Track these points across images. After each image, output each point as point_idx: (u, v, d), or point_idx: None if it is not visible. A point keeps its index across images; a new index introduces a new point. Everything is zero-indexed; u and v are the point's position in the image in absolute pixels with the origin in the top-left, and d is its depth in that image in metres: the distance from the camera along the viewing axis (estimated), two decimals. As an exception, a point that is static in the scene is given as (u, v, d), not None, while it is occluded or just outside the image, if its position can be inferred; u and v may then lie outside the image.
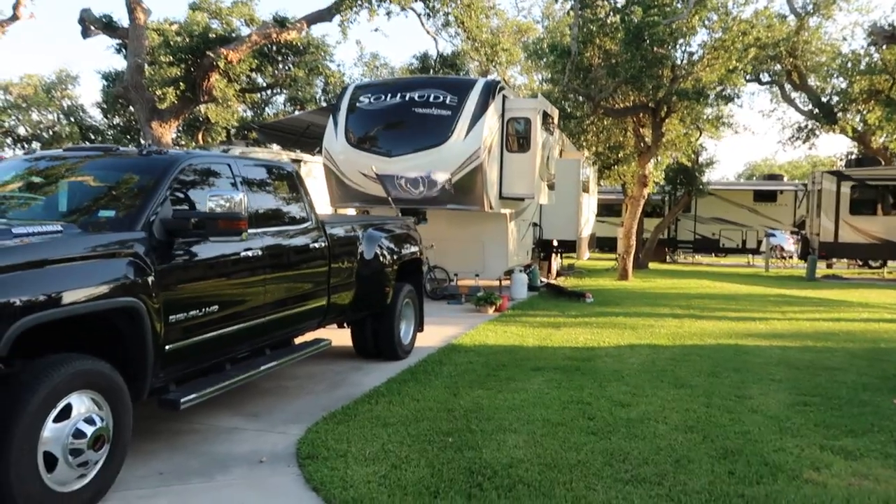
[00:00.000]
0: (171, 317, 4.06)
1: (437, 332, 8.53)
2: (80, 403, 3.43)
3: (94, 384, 3.51)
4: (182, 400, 4.11)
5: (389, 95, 11.46)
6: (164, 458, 4.26)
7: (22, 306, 3.17)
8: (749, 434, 4.90)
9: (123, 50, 18.83)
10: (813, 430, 5.02)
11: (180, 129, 26.10)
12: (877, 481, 4.07)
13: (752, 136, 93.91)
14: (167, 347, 4.04)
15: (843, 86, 22.34)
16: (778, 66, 22.31)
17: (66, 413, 3.35)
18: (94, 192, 4.66)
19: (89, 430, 3.42)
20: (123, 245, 3.85)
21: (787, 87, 24.01)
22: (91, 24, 18.08)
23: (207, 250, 4.44)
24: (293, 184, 5.86)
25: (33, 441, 3.17)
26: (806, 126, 25.20)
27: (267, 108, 31.05)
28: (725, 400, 5.80)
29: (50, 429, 3.26)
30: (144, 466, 4.10)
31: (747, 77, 19.99)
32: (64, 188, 4.77)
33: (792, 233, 24.79)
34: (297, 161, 14.21)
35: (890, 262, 22.63)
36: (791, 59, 21.63)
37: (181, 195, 4.47)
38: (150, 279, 3.90)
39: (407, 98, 11.27)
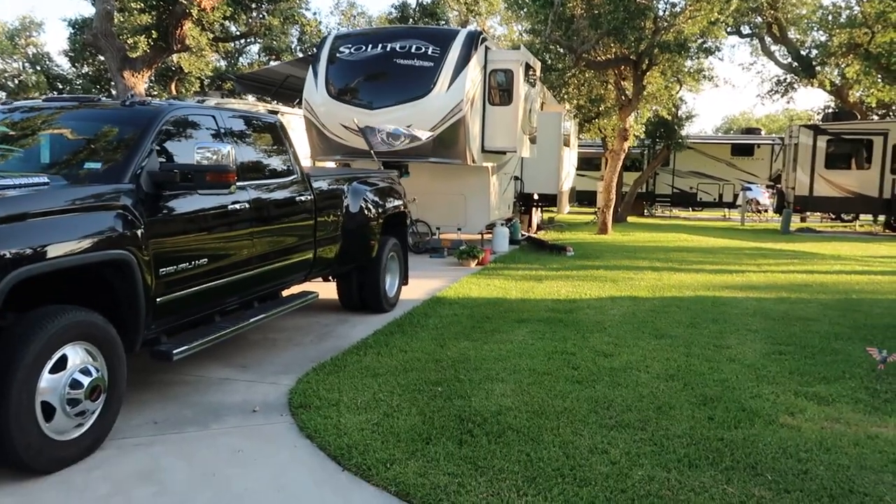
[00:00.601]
0: (161, 269, 4.05)
1: (421, 285, 8.61)
2: (75, 355, 3.45)
3: (88, 335, 3.52)
4: (175, 351, 4.14)
5: (370, 46, 11.27)
6: (157, 408, 4.31)
7: (12, 259, 3.15)
8: (727, 382, 5.06)
9: (92, -4, 18.19)
10: (788, 378, 5.21)
11: (152, 78, 25.46)
12: (847, 424, 4.26)
13: (731, 90, 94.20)
14: (158, 300, 4.05)
15: (823, 39, 22.41)
16: (759, 19, 22.28)
17: (61, 364, 3.37)
18: (77, 143, 4.58)
19: (85, 380, 3.45)
20: (112, 197, 3.82)
21: (768, 40, 24.03)
22: (57, -32, 17.42)
23: (195, 203, 4.41)
24: (278, 136, 5.81)
25: (31, 391, 3.20)
26: (784, 80, 25.34)
27: (241, 58, 30.41)
28: (704, 349, 5.97)
29: (46, 379, 3.29)
30: (139, 416, 4.15)
31: (728, 29, 19.97)
32: (45, 140, 4.67)
33: (767, 187, 25.11)
34: (274, 112, 13.98)
35: (862, 216, 23.09)
36: (772, 12, 21.60)
37: (167, 147, 4.42)
38: (140, 231, 3.88)
39: (388, 49, 11.10)
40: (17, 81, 34.35)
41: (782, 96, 26.03)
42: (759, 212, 24.32)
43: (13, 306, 3.26)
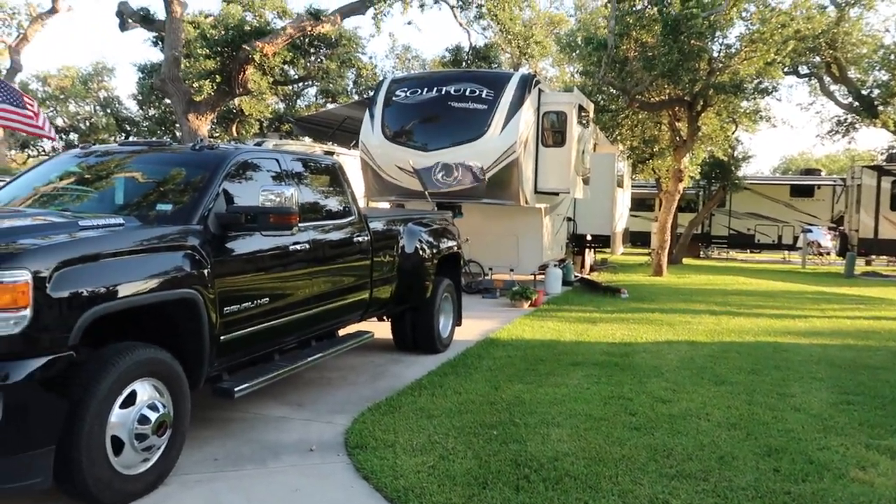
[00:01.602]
0: (225, 308, 4.17)
1: (474, 326, 8.60)
2: (144, 390, 3.56)
3: (156, 372, 3.64)
4: (236, 389, 4.24)
5: (426, 89, 11.51)
6: (217, 445, 4.39)
7: (89, 297, 3.30)
8: (793, 432, 4.89)
9: (160, 43, 19.13)
10: (857, 429, 5.00)
11: (214, 121, 26.46)
12: (925, 482, 4.05)
13: (789, 130, 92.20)
14: (222, 338, 4.16)
15: (885, 78, 21.85)
16: (817, 59, 21.89)
17: (131, 399, 3.49)
18: (149, 186, 4.80)
19: (153, 415, 3.55)
20: (182, 238, 3.97)
21: (827, 79, 23.54)
22: (128, 17, 18.43)
23: (258, 244, 4.54)
24: (337, 178, 5.96)
25: (102, 426, 3.31)
26: (845, 119, 24.71)
27: (299, 101, 31.32)
28: (767, 397, 5.79)
29: (117, 414, 3.40)
30: (200, 452, 4.24)
31: (785, 70, 19.66)
32: (120, 182, 4.90)
33: (830, 229, 24.38)
34: (330, 153, 14.34)
35: (931, 260, 22.15)
36: (831, 52, 21.20)
37: (233, 189, 4.58)
38: (206, 271, 4.01)
39: (443, 92, 11.31)
40: (88, 123, 36.11)
41: (843, 136, 25.37)
42: (820, 254, 23.58)
43: (86, 342, 3.39)
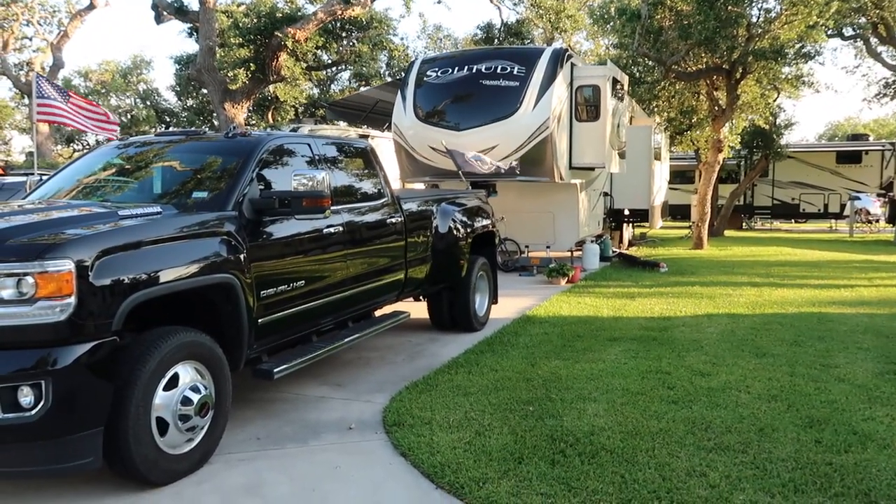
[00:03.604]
0: (262, 292, 4.26)
1: (510, 303, 8.61)
2: (186, 373, 3.68)
3: (197, 355, 3.75)
4: (275, 370, 4.34)
5: (456, 68, 11.46)
6: (259, 425, 4.51)
7: (131, 284, 3.41)
8: (836, 403, 4.80)
9: (195, 34, 19.41)
10: (904, 400, 4.88)
11: (251, 108, 26.78)
12: (975, 451, 3.95)
13: (834, 95, 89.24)
14: (260, 321, 4.26)
15: (936, 37, 20.97)
16: (862, 19, 21.09)
17: (173, 382, 3.60)
18: (185, 174, 4.91)
19: (195, 397, 3.67)
20: (218, 224, 4.06)
21: (873, 40, 22.69)
22: (163, 9, 18.71)
23: (292, 227, 4.61)
24: (369, 160, 6.00)
25: (147, 407, 3.43)
26: (894, 82, 23.82)
27: (332, 85, 31.46)
28: (810, 369, 5.69)
29: (161, 396, 3.52)
30: (243, 432, 4.36)
31: (829, 32, 19.03)
32: (157, 171, 5.02)
33: (879, 195, 23.62)
34: (364, 137, 14.40)
35: None
36: (877, 11, 20.39)
37: (267, 175, 4.65)
38: (243, 256, 4.10)
39: (474, 70, 11.25)
40: (129, 116, 36.90)
41: (892, 99, 24.49)
42: (869, 222, 22.89)
43: (129, 327, 3.51)
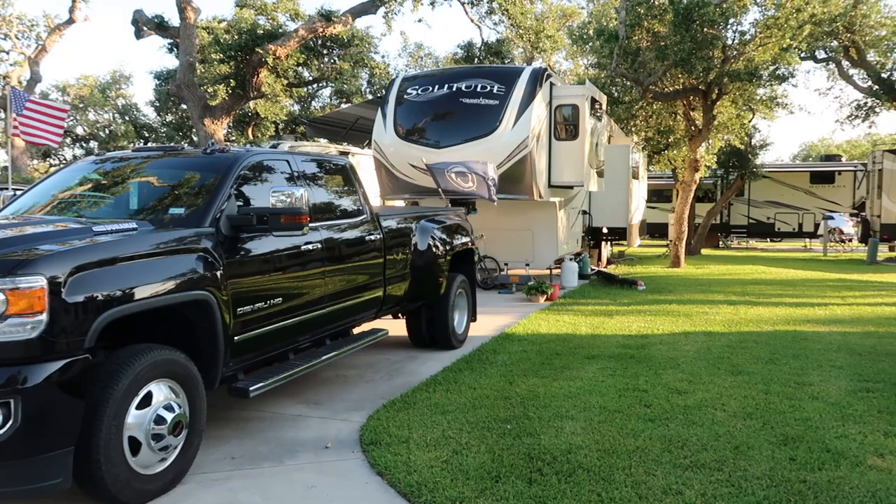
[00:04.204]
0: (238, 309, 4.23)
1: (489, 321, 8.62)
2: (160, 391, 3.63)
3: (171, 373, 3.70)
4: (251, 388, 4.30)
5: (437, 86, 11.53)
6: (234, 444, 4.45)
7: (104, 300, 3.37)
8: (810, 421, 4.85)
9: (175, 49, 19.34)
10: (876, 417, 4.95)
11: (231, 125, 26.70)
12: (945, 468, 4.01)
13: (807, 116, 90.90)
14: (236, 338, 4.22)
15: (905, 60, 21.51)
16: (834, 43, 21.58)
17: (147, 401, 3.55)
18: (162, 190, 4.87)
19: (169, 416, 3.62)
20: (194, 240, 4.03)
21: (845, 63, 23.21)
22: (143, 24, 18.62)
23: (270, 244, 4.59)
24: (348, 177, 6.00)
25: (119, 426, 3.37)
26: (865, 104, 24.35)
27: (313, 102, 31.51)
28: (784, 387, 5.75)
29: (133, 415, 3.47)
30: (217, 451, 4.30)
31: (802, 55, 19.42)
32: (134, 187, 4.99)
33: (851, 215, 24.05)
34: (345, 154, 14.42)
35: (956, 244, 21.75)
36: (848, 35, 20.89)
37: (245, 191, 4.64)
38: (219, 273, 4.07)
39: (454, 88, 11.33)
40: (108, 131, 36.60)
41: (863, 121, 25.00)
42: (842, 241, 23.27)
43: (103, 344, 3.46)
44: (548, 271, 12.50)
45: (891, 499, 3.59)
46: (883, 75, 22.14)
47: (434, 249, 6.86)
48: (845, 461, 4.11)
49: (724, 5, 14.31)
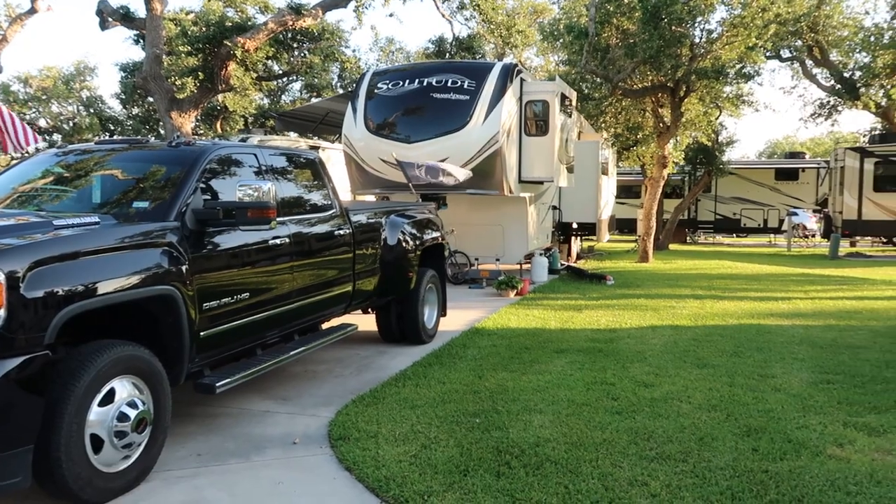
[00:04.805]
0: (204, 304, 4.18)
1: (459, 316, 8.63)
2: (123, 388, 3.57)
3: (134, 369, 3.64)
4: (217, 384, 4.25)
5: (407, 81, 11.49)
6: (200, 441, 4.40)
7: (65, 296, 3.30)
8: (772, 412, 4.95)
9: (141, 41, 18.98)
10: (836, 408, 5.07)
11: (199, 118, 26.31)
12: (900, 457, 4.12)
13: (772, 114, 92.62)
14: (202, 334, 4.17)
15: (866, 60, 21.98)
16: (799, 42, 21.99)
17: (109, 397, 3.49)
18: (126, 183, 4.79)
19: (132, 413, 3.56)
20: (158, 235, 3.97)
21: (809, 63, 23.67)
22: (109, 15, 18.24)
23: (237, 238, 4.54)
24: (317, 172, 5.95)
25: (81, 424, 3.31)
26: (828, 102, 24.85)
27: (283, 96, 31.18)
28: (748, 379, 5.85)
29: (95, 412, 3.40)
30: (183, 448, 4.25)
31: (767, 54, 19.76)
32: (97, 180, 4.88)
33: (814, 211, 24.57)
34: (315, 148, 14.30)
35: (914, 240, 22.36)
36: (812, 35, 21.31)
37: (211, 185, 4.58)
38: (184, 267, 4.01)
39: (425, 83, 11.30)
40: (72, 124, 35.82)
41: (826, 119, 25.53)
42: (805, 237, 23.76)
43: (64, 340, 3.39)
44: (518, 266, 12.56)
45: (849, 487, 3.68)
46: (845, 75, 22.62)
47: (404, 244, 6.84)
48: (806, 451, 4.20)
49: (692, 3, 14.49)
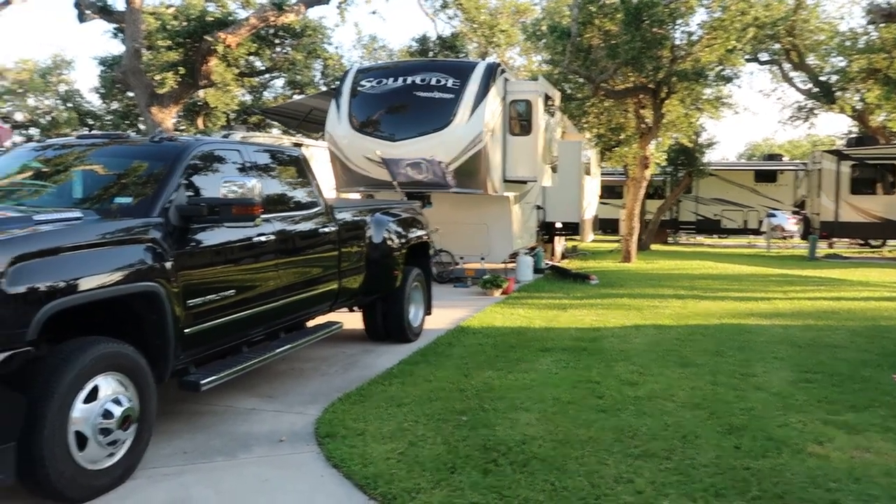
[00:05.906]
0: (189, 301, 4.14)
1: (445, 314, 8.63)
2: (107, 385, 3.53)
3: (119, 366, 3.60)
4: (203, 382, 4.22)
5: (392, 79, 11.46)
6: (186, 438, 4.37)
7: (47, 292, 3.25)
8: (754, 410, 5.01)
9: (120, 34, 18.76)
10: (816, 406, 5.14)
11: (180, 114, 26.04)
12: (878, 454, 4.19)
13: (752, 117, 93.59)
14: (186, 331, 4.13)
15: (842, 64, 22.34)
16: (777, 46, 22.29)
17: (94, 394, 3.45)
18: (108, 179, 4.72)
19: (117, 410, 3.52)
20: (142, 231, 3.93)
21: (787, 66, 24.00)
22: (86, 8, 17.96)
23: (222, 235, 4.50)
24: (301, 169, 5.93)
25: (64, 421, 3.27)
26: (805, 105, 25.22)
27: (265, 92, 30.96)
28: (730, 378, 5.92)
29: (79, 409, 3.36)
30: (169, 446, 4.21)
31: (746, 57, 19.97)
32: (79, 175, 4.82)
33: (793, 213, 24.88)
34: (298, 145, 14.22)
35: (890, 241, 22.74)
36: (790, 39, 21.61)
37: (195, 181, 4.53)
38: (168, 264, 3.98)
39: (409, 82, 11.28)
40: (49, 118, 35.29)
41: (804, 122, 25.91)
42: (784, 238, 24.06)
43: (47, 337, 3.34)
44: (503, 265, 12.58)
45: (829, 484, 3.74)
46: (821, 78, 22.96)
47: (389, 242, 6.83)
48: (787, 449, 4.25)
49: (672, 6, 14.61)
